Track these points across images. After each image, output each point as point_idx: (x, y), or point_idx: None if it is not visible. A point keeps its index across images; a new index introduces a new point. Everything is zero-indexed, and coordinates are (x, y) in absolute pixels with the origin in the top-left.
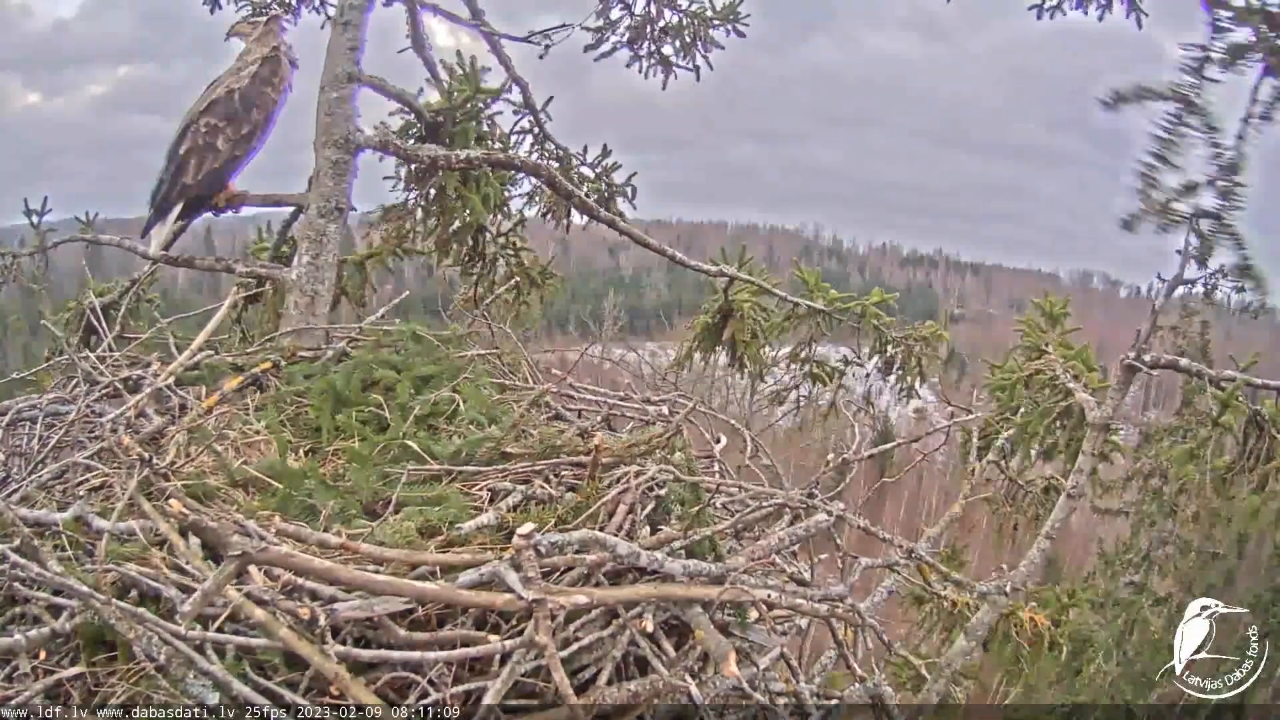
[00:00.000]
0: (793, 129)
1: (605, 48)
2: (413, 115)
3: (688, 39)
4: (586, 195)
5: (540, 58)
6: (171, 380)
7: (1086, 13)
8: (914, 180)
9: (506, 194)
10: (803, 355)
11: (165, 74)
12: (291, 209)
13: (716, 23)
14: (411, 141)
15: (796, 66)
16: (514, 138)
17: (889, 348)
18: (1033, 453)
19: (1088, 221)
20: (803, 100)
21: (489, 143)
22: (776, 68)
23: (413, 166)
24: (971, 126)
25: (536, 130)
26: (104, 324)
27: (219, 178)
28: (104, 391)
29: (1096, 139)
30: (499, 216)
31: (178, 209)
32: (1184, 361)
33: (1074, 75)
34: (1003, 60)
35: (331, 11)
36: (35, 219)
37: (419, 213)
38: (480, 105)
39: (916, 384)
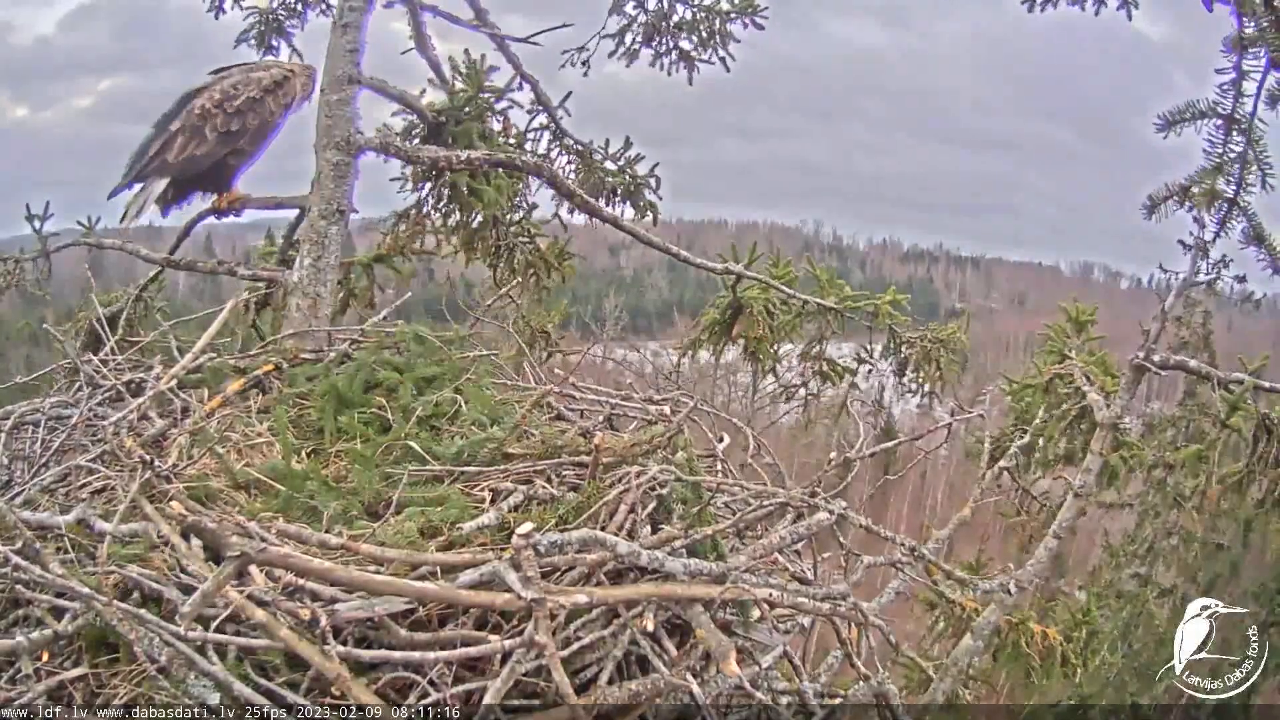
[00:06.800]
0: (774, 124)
1: (627, 47)
2: (415, 116)
3: (704, 34)
4: (613, 190)
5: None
6: (174, 383)
7: (1084, 8)
8: (902, 172)
9: (520, 185)
10: (813, 353)
11: (148, 84)
12: (298, 212)
13: (734, 16)
14: (415, 142)
15: (765, 59)
16: (530, 135)
17: (903, 349)
18: (1049, 458)
19: (1082, 212)
20: (778, 94)
21: (494, 141)
22: (745, 60)
23: (417, 167)
24: (950, 116)
25: (553, 127)
26: (107, 331)
27: (198, 166)
28: (106, 395)
29: (1081, 127)
30: (514, 207)
31: (153, 186)
32: (1193, 363)
33: (1045, 59)
34: (971, 47)
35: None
36: (37, 223)
37: (434, 214)
38: (485, 104)
39: (938, 389)
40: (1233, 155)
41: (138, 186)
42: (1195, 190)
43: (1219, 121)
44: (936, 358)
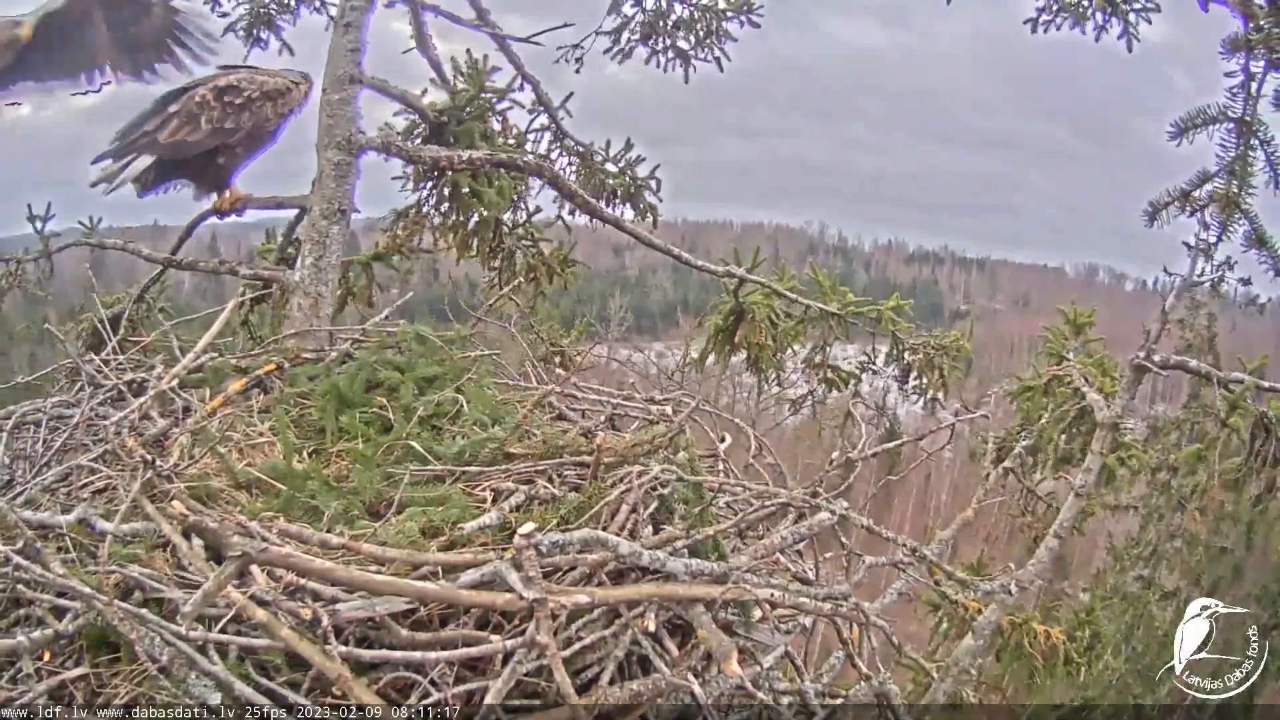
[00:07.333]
0: (773, 123)
1: (622, 46)
2: (417, 116)
3: (701, 33)
4: (613, 192)
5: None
6: (175, 383)
7: (1084, 32)
8: (901, 172)
9: (522, 188)
10: (817, 360)
11: (148, 83)
12: (297, 211)
13: (730, 14)
14: (416, 142)
15: (764, 59)
16: (530, 136)
17: (905, 355)
18: (1055, 458)
19: (1083, 213)
20: (778, 93)
21: (496, 141)
22: (745, 59)
23: (419, 167)
24: (950, 116)
25: (553, 128)
26: (109, 331)
27: (185, 152)
28: (108, 394)
29: (1081, 127)
30: (515, 210)
31: (137, 162)
32: (1193, 363)
33: (1045, 59)
34: (971, 47)
35: (334, 13)
36: (39, 224)
37: (434, 214)
38: (486, 104)
39: (940, 395)
40: (1236, 155)
41: (124, 159)
42: (1211, 191)
43: (1230, 125)
44: (940, 364)
